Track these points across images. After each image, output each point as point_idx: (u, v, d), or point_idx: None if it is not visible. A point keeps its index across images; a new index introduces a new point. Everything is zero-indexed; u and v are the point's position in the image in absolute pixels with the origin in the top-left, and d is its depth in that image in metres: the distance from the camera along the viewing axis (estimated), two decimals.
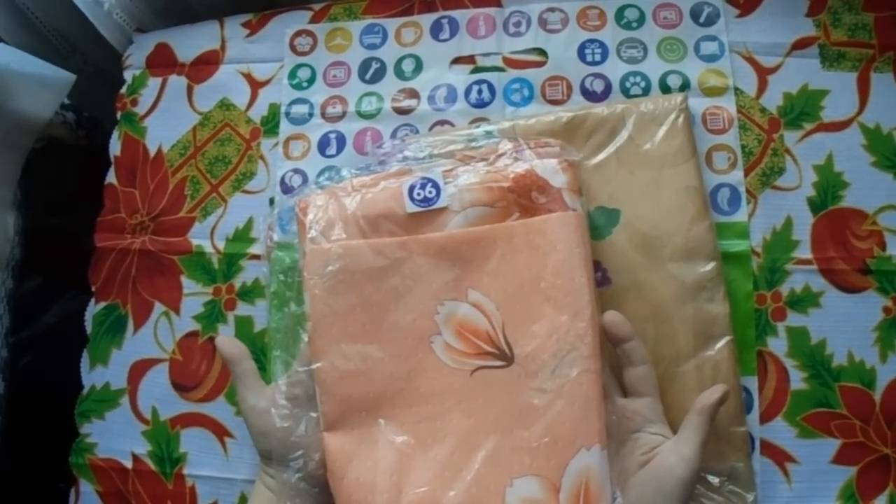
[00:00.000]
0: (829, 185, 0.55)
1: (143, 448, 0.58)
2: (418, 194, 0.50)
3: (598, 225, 0.54)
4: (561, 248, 0.48)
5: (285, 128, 0.62)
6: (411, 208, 0.50)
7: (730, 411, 0.49)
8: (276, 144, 0.62)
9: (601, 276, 0.53)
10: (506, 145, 0.52)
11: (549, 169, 0.50)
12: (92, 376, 0.61)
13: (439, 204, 0.50)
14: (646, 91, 0.58)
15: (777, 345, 0.53)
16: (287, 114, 0.63)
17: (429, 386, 0.48)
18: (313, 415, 0.48)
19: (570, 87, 0.59)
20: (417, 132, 0.60)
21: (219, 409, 0.58)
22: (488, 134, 0.56)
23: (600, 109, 0.56)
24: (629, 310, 0.52)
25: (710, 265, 0.52)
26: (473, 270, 0.49)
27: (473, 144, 0.54)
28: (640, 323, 0.52)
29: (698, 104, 0.57)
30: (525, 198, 0.50)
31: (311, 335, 0.49)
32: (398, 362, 0.48)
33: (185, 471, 0.57)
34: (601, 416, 0.45)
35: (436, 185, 0.50)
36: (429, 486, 0.45)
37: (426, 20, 0.63)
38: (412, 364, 0.48)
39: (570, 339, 0.46)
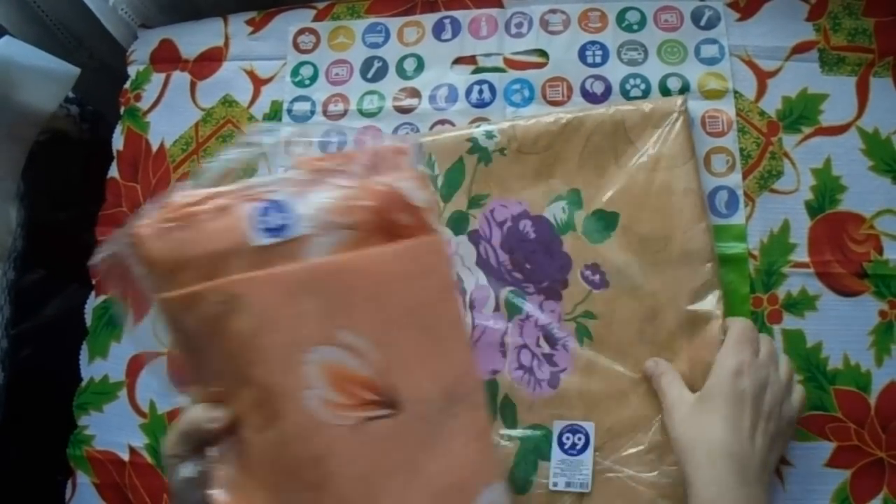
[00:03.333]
0: (826, 189, 0.55)
1: (140, 441, 0.59)
2: (263, 223, 0.40)
3: (597, 228, 0.54)
4: (436, 276, 0.43)
5: (287, 124, 0.63)
6: (258, 240, 0.39)
7: None
8: None
9: (599, 278, 0.53)
10: (357, 152, 0.44)
11: (410, 185, 0.43)
12: (91, 369, 0.61)
13: (289, 232, 0.40)
14: (646, 93, 0.58)
15: (774, 347, 0.53)
16: (289, 111, 0.63)
17: (310, 450, 0.39)
18: None
19: (570, 89, 0.59)
20: (418, 131, 0.60)
21: None
22: (488, 134, 0.56)
23: (599, 111, 0.56)
24: (626, 312, 0.52)
25: (707, 266, 0.52)
26: (342, 307, 0.40)
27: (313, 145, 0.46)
28: (636, 324, 0.52)
29: (698, 107, 0.57)
30: (388, 218, 0.42)
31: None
32: (265, 428, 0.39)
33: None
34: (494, 450, 0.44)
35: (283, 210, 0.40)
36: None
37: (428, 20, 0.63)
38: (283, 429, 0.39)
39: (457, 375, 0.42)
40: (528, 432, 0.53)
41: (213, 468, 0.39)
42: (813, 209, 0.55)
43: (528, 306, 0.54)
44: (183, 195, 0.40)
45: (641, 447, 0.51)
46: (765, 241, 0.54)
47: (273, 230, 0.39)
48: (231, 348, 0.38)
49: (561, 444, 0.52)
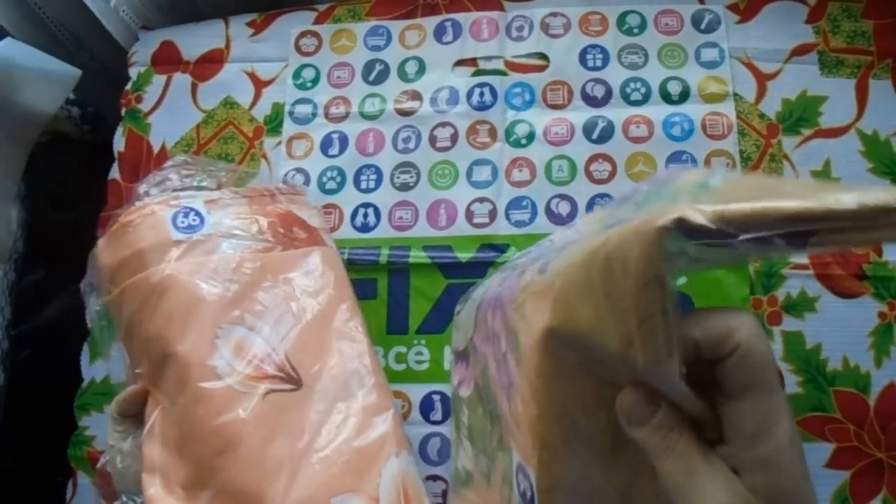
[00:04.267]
0: None
1: None
2: (182, 222, 0.48)
3: None
4: (331, 273, 0.51)
5: (288, 127, 0.63)
6: (176, 236, 0.47)
7: None
8: (279, 143, 0.63)
9: None
10: (259, 189, 0.54)
11: (306, 212, 0.54)
12: (92, 370, 0.61)
13: (204, 231, 0.48)
14: (646, 97, 0.58)
15: (773, 349, 0.53)
16: (290, 113, 0.63)
17: (220, 416, 0.43)
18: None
19: (570, 92, 0.60)
20: (419, 133, 0.61)
21: None
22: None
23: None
24: None
25: None
26: (248, 295, 0.47)
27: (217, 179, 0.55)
28: None
29: (698, 110, 0.57)
30: (287, 232, 0.52)
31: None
32: (184, 398, 0.44)
33: None
34: (399, 423, 0.48)
35: (199, 214, 0.49)
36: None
37: (430, 23, 0.64)
38: (197, 395, 0.44)
39: (352, 356, 0.48)
40: None
41: (141, 447, 0.44)
42: None
43: None
44: (125, 211, 0.49)
45: None
46: None
47: (188, 228, 0.48)
48: (158, 329, 0.45)
49: None
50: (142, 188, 0.53)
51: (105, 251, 0.48)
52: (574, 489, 0.32)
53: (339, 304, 0.50)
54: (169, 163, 0.55)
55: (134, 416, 0.47)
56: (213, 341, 0.45)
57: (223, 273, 0.47)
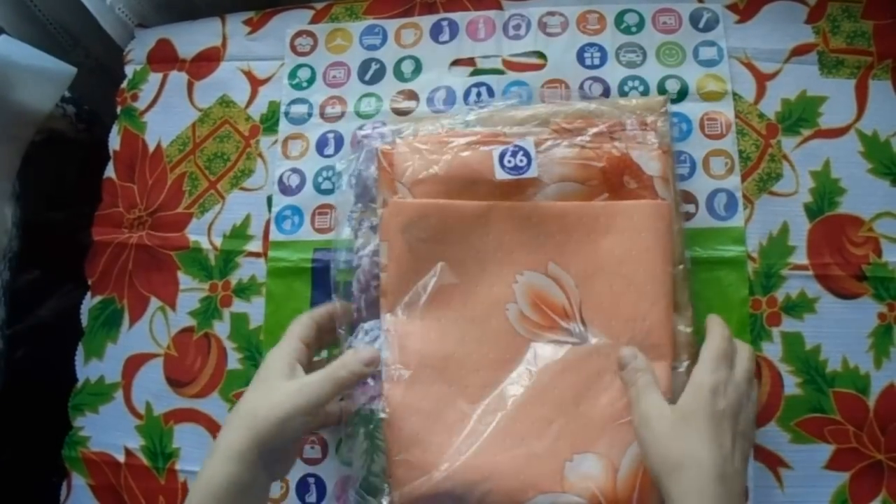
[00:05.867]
0: (825, 192, 0.55)
1: (136, 442, 0.58)
2: (509, 161, 0.49)
3: None
4: (647, 235, 0.49)
5: (284, 127, 0.62)
6: (501, 175, 0.49)
7: None
8: (275, 143, 0.62)
9: None
10: (604, 121, 0.53)
11: (644, 156, 0.51)
12: (86, 370, 0.61)
13: (529, 174, 0.49)
14: (644, 95, 0.58)
15: (771, 350, 0.53)
16: (286, 114, 0.63)
17: (498, 352, 0.48)
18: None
19: (568, 91, 0.59)
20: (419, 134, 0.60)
21: (212, 406, 0.58)
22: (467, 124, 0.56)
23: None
24: None
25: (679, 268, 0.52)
26: (556, 244, 0.49)
27: (569, 114, 0.54)
28: None
29: (696, 109, 0.57)
30: (616, 180, 0.50)
31: (385, 288, 0.49)
32: (471, 325, 0.48)
33: (178, 466, 0.57)
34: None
35: (527, 154, 0.49)
36: (486, 449, 0.45)
37: (426, 22, 0.63)
38: (484, 329, 0.48)
39: (646, 327, 0.47)
40: None
41: None
42: (812, 211, 0.55)
43: None
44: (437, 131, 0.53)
45: None
46: (764, 243, 0.54)
47: (514, 168, 0.49)
48: (455, 255, 0.49)
49: None
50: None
51: (403, 155, 0.51)
52: None
53: (654, 265, 0.49)
54: None
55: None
56: (511, 283, 0.49)
57: (537, 219, 0.49)
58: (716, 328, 0.48)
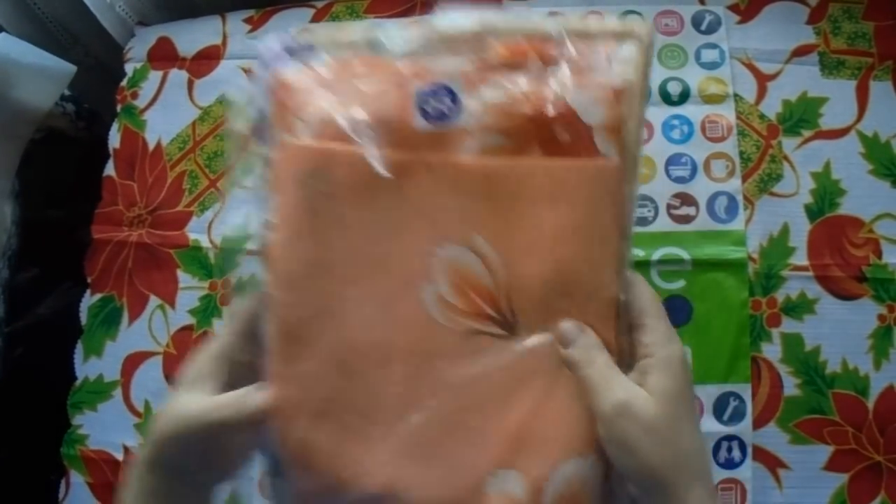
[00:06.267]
0: (826, 193, 0.55)
1: (134, 441, 0.58)
2: (432, 108, 0.38)
3: None
4: (581, 210, 0.38)
5: None
6: (421, 124, 0.38)
7: None
8: None
9: None
10: (552, 46, 0.39)
11: (586, 100, 0.38)
12: (85, 368, 0.60)
13: (456, 122, 0.38)
14: None
15: (771, 351, 0.53)
16: None
17: (410, 342, 0.38)
18: None
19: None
20: None
21: None
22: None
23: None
24: None
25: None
26: (482, 213, 0.38)
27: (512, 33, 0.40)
28: None
29: (698, 111, 0.57)
30: (545, 132, 0.38)
31: (272, 254, 0.38)
32: (378, 307, 0.38)
33: None
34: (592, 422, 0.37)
35: (454, 96, 0.38)
36: (395, 459, 0.37)
37: None
38: (395, 314, 0.38)
39: (581, 317, 0.38)
40: None
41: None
42: (812, 213, 0.55)
43: None
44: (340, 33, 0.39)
45: None
46: (764, 244, 0.54)
47: (439, 116, 0.38)
48: (363, 219, 0.38)
49: None
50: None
51: (295, 86, 0.39)
52: None
53: (589, 248, 0.38)
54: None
55: None
56: (428, 257, 0.38)
57: (459, 182, 0.38)
58: (641, 286, 0.38)
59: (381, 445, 0.37)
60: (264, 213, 0.39)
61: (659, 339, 0.36)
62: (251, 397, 0.36)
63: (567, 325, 0.37)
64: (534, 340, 0.38)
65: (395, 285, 0.38)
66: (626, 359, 0.37)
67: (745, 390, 0.52)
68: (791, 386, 0.52)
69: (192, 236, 0.61)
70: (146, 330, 0.60)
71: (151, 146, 0.64)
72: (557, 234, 0.38)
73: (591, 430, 0.36)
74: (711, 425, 0.52)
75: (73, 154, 0.77)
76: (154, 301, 0.61)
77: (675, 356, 0.36)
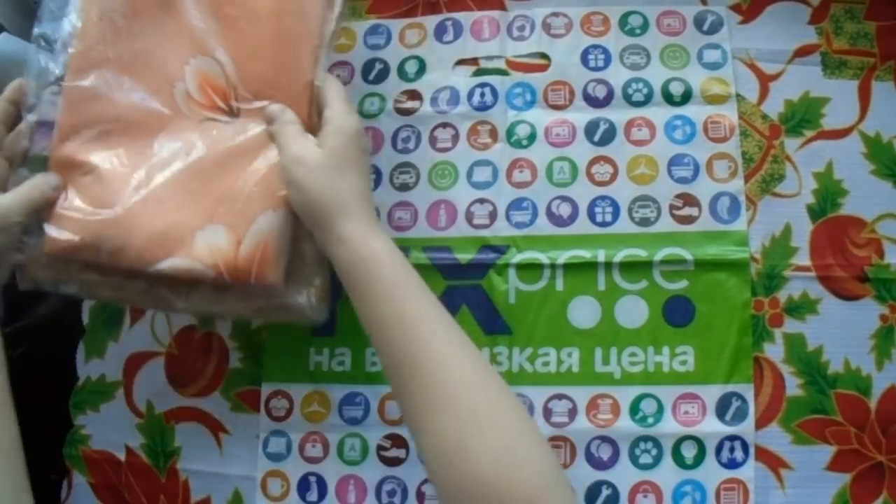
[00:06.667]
0: (828, 193, 0.55)
1: (137, 441, 0.58)
2: None
3: None
4: (288, 21, 0.51)
5: None
6: None
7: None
8: None
9: None
10: None
11: None
12: (87, 368, 0.60)
13: None
14: (648, 98, 0.58)
15: (773, 351, 0.53)
16: None
17: (160, 125, 0.51)
18: None
19: (572, 93, 0.59)
20: (419, 133, 0.60)
21: (214, 405, 0.58)
22: None
23: None
24: None
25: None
26: (225, 29, 0.51)
27: None
28: None
29: (700, 112, 0.57)
30: None
31: (78, 50, 0.51)
32: (142, 97, 0.51)
33: (179, 465, 0.57)
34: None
35: None
36: (131, 211, 0.48)
37: (430, 22, 0.63)
38: (153, 102, 0.51)
39: (285, 101, 0.50)
40: None
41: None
42: (815, 213, 0.55)
43: None
44: None
45: None
46: (766, 244, 0.54)
47: None
48: (143, 30, 0.51)
49: None
50: None
51: None
52: None
53: (299, 41, 0.51)
54: None
55: None
56: (182, 65, 0.52)
57: (202, 6, 0.52)
58: (331, 79, 0.51)
59: (126, 201, 0.48)
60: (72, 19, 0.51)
61: (336, 114, 0.48)
62: (33, 193, 0.48)
63: (273, 107, 0.49)
64: (250, 124, 0.50)
65: (158, 81, 0.51)
66: (318, 132, 0.48)
67: (748, 390, 0.52)
68: (793, 386, 0.52)
69: None
70: (148, 330, 0.60)
71: None
72: (272, 42, 0.50)
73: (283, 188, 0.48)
74: (714, 426, 0.52)
75: None
76: None
77: (347, 125, 0.48)
